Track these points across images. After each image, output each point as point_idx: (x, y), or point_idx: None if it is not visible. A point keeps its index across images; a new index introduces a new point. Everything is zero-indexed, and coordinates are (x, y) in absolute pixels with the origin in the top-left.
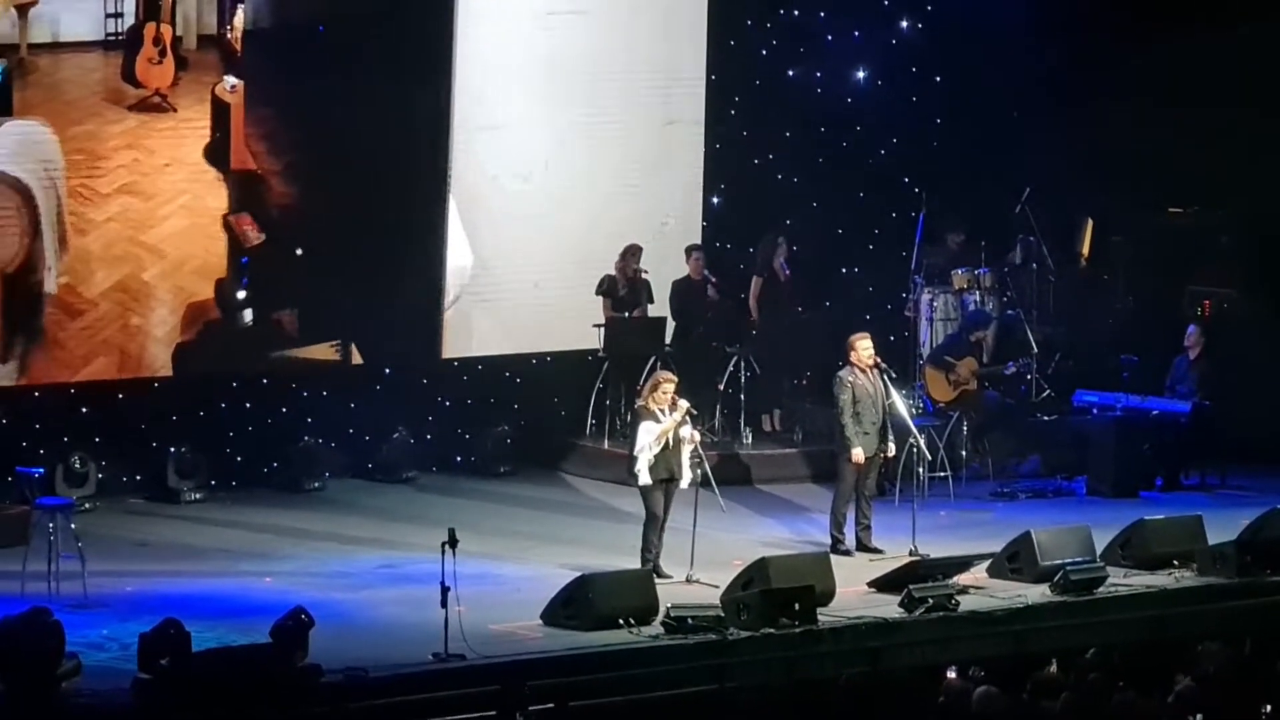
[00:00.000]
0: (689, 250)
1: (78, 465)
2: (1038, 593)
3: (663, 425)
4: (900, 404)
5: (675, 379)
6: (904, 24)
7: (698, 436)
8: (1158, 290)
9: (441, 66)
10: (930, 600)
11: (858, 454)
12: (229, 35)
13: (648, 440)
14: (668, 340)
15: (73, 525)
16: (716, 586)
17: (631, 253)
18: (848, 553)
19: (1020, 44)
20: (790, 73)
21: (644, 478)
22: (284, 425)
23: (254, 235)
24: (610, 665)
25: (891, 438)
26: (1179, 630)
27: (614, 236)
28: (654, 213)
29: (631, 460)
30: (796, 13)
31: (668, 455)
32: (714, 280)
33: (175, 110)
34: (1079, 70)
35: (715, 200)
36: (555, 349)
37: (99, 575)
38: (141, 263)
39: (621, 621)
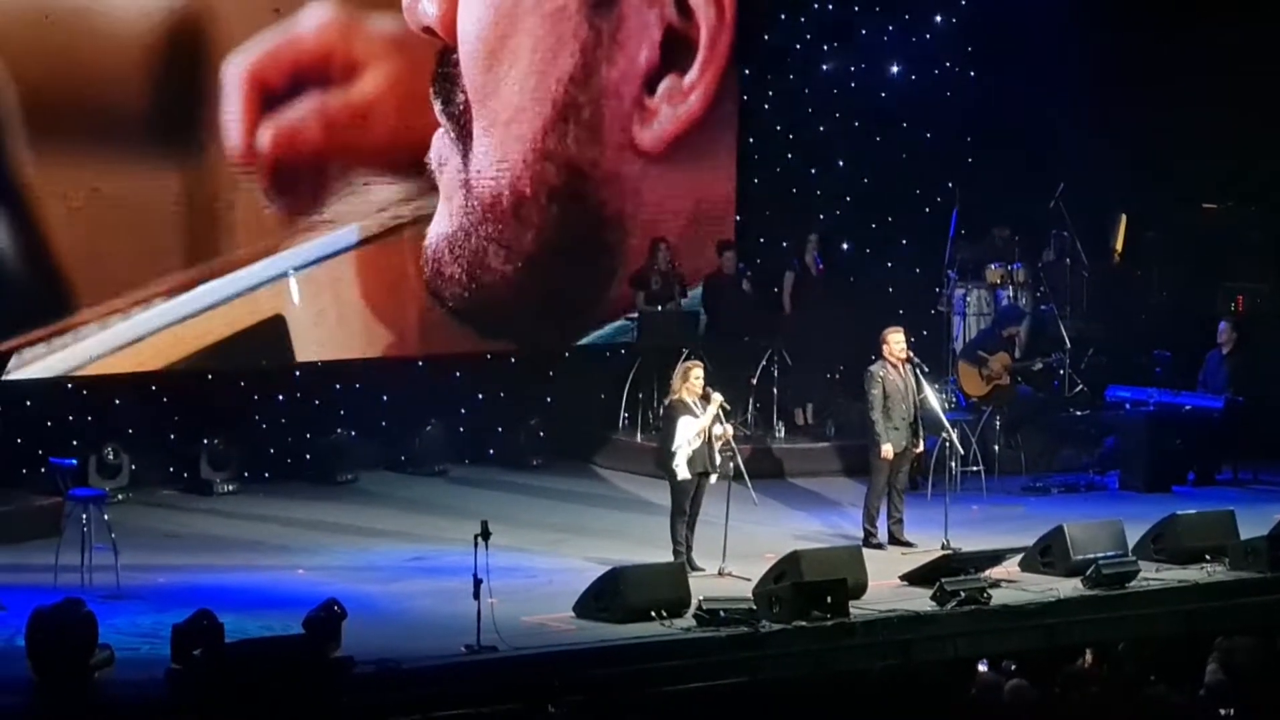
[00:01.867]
0: (721, 245)
1: (111, 457)
2: (1070, 586)
3: (701, 421)
4: (933, 398)
5: (703, 366)
6: (938, 18)
7: (730, 430)
8: (1190, 286)
9: None
10: (962, 594)
11: (886, 449)
12: None
13: (688, 436)
14: (700, 334)
15: (105, 517)
16: (749, 579)
17: (660, 246)
18: (880, 546)
19: (1054, 40)
20: (824, 67)
21: (682, 472)
22: (316, 417)
23: None
24: (642, 658)
25: (923, 432)
26: (1211, 625)
27: (647, 228)
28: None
29: (666, 454)
30: (830, 7)
31: (703, 449)
32: (747, 274)
33: None
34: (1112, 66)
35: (747, 193)
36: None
37: (132, 567)
38: None
39: (653, 614)
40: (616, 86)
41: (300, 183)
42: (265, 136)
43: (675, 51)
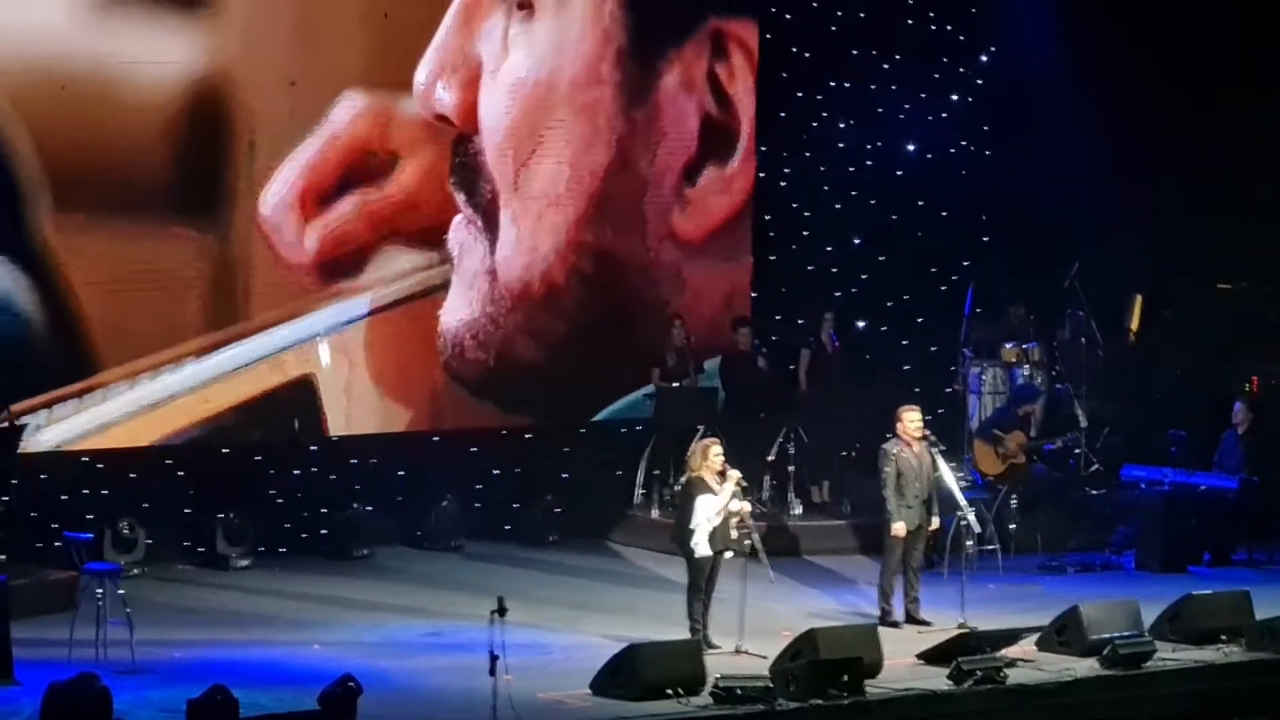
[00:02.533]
0: (737, 322)
1: (126, 531)
2: (1086, 666)
3: (720, 500)
4: (948, 476)
5: (720, 443)
6: (954, 97)
7: (747, 508)
8: (1206, 366)
9: None
10: (979, 672)
11: (898, 528)
12: None
13: (707, 514)
14: (717, 411)
15: (121, 591)
16: (765, 657)
17: (676, 323)
18: (896, 624)
19: (1069, 120)
20: (841, 144)
21: (701, 550)
22: (332, 492)
23: None
24: None
25: (937, 510)
26: (1226, 705)
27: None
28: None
29: (685, 531)
30: (847, 84)
31: (720, 526)
32: (763, 351)
33: None
34: (1128, 147)
35: (763, 270)
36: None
37: (147, 641)
38: None
39: (670, 691)
40: (655, 177)
41: (341, 267)
42: (311, 241)
43: (714, 141)
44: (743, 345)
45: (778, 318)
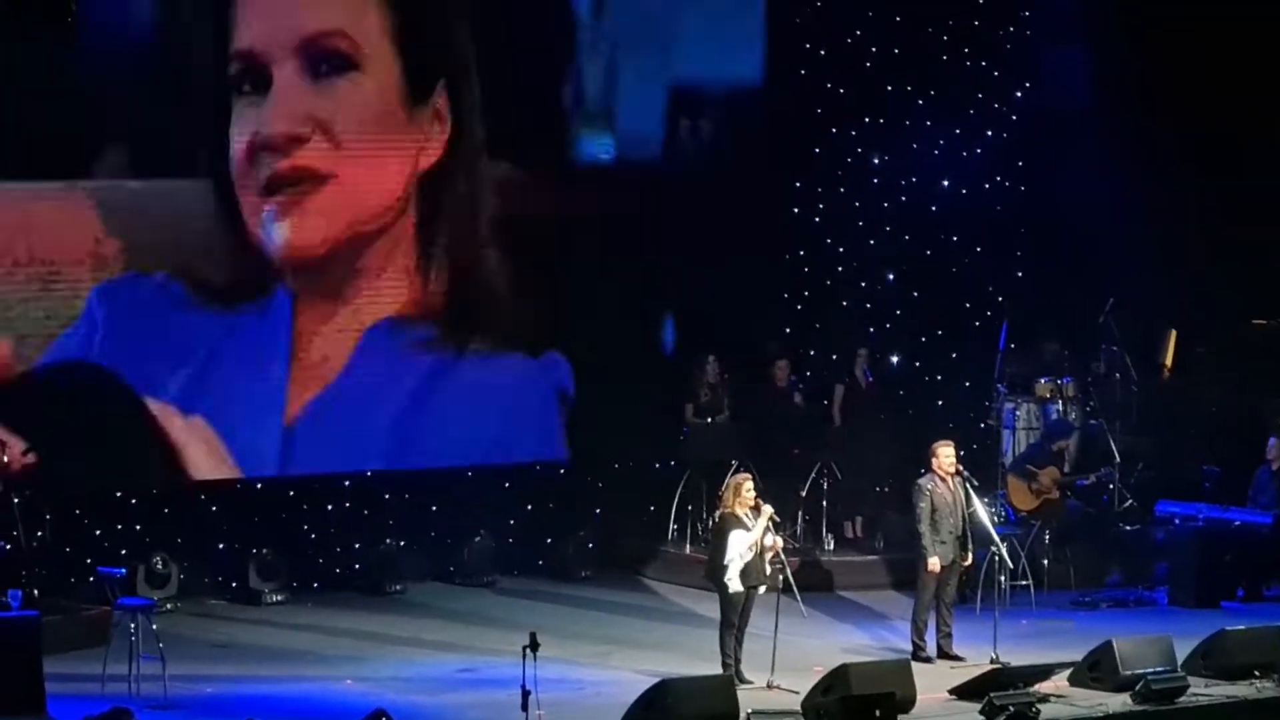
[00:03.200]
0: (773, 357)
1: (160, 566)
2: (1119, 702)
3: (753, 534)
4: (982, 512)
5: (753, 478)
6: (989, 133)
7: (780, 543)
8: (1240, 401)
9: None
10: (1011, 708)
11: (933, 563)
12: None
13: (740, 549)
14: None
15: (154, 626)
16: (797, 692)
17: (709, 359)
18: (929, 660)
19: (1104, 156)
20: (875, 180)
21: (734, 585)
22: (365, 528)
23: None
24: None
25: (971, 546)
26: None
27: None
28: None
29: (718, 567)
30: (881, 120)
31: (754, 561)
32: (799, 387)
33: None
34: (1162, 183)
35: (798, 306)
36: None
37: (180, 677)
38: None
39: None
40: None
41: None
42: None
43: None
44: (778, 381)
45: (812, 353)
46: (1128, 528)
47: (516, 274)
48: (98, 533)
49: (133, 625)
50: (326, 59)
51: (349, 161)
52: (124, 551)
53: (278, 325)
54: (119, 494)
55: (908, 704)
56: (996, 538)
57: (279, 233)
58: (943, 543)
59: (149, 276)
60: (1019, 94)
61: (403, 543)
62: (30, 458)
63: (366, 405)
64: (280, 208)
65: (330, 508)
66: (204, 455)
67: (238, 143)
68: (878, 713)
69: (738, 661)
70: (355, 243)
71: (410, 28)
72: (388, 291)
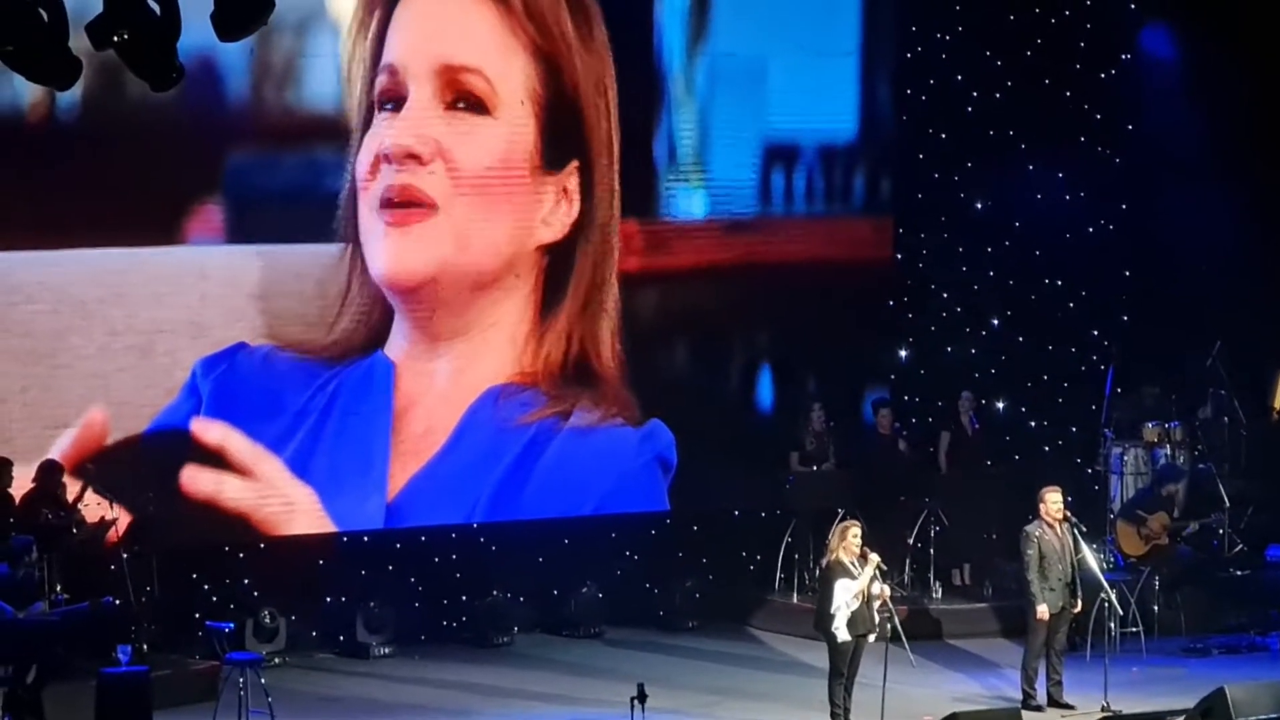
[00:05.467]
0: (877, 404)
1: (268, 620)
2: None
3: (860, 583)
4: (1090, 558)
5: (860, 526)
6: (1092, 175)
7: (888, 591)
8: None
9: None
10: None
11: (1042, 610)
12: None
13: (846, 598)
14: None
15: (262, 680)
16: None
17: (815, 407)
18: (1039, 708)
19: (1211, 198)
20: (978, 225)
21: (842, 634)
22: (472, 579)
23: None
24: None
25: (1080, 592)
26: None
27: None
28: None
29: (825, 616)
30: (985, 165)
31: (861, 610)
32: (904, 434)
33: None
34: (1267, 225)
35: (903, 353)
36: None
37: None
38: None
39: None
40: None
41: None
42: None
43: None
44: (883, 429)
45: (917, 399)
46: (1238, 573)
47: (621, 337)
48: (205, 587)
49: (241, 680)
50: (460, 94)
51: (461, 200)
52: (232, 606)
53: (377, 395)
54: (226, 548)
55: None
56: (1105, 584)
57: (383, 252)
58: (1052, 590)
59: (252, 346)
60: (1122, 136)
61: (509, 594)
62: (122, 526)
63: (469, 473)
64: (388, 226)
65: (437, 560)
66: (311, 523)
67: (365, 153)
68: None
69: (847, 711)
70: (456, 289)
71: (550, 88)
72: (491, 357)
